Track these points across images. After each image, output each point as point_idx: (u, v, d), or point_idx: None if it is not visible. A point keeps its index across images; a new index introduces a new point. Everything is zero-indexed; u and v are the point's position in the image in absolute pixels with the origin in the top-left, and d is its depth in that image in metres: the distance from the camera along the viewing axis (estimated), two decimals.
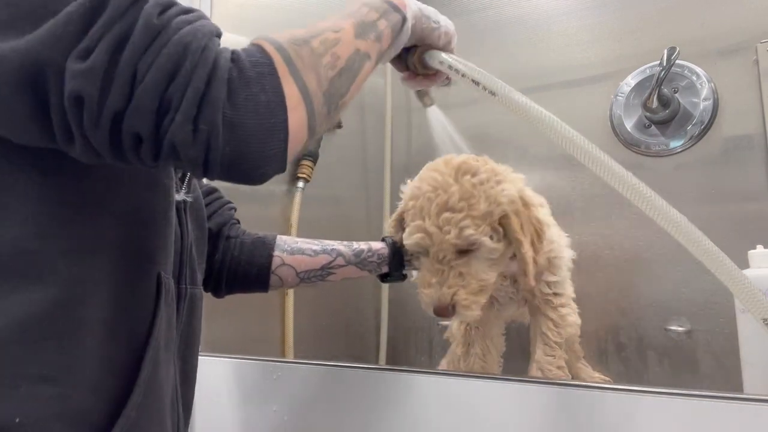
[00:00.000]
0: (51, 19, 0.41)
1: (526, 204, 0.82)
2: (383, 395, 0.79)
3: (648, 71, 1.28)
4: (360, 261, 0.85)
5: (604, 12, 1.36)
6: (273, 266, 0.83)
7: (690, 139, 1.22)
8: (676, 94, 1.23)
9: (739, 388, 0.87)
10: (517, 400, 0.69)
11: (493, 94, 0.67)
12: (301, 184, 1.29)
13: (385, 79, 1.60)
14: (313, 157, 1.32)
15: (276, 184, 1.29)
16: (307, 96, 0.48)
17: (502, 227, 0.79)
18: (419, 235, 0.79)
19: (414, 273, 0.89)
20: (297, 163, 1.31)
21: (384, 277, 0.90)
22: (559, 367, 0.90)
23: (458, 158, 0.84)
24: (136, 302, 0.54)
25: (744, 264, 0.89)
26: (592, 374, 1.15)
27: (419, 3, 0.68)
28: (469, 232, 0.76)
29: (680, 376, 1.18)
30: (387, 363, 1.46)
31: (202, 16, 0.47)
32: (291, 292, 1.27)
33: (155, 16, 0.43)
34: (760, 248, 0.89)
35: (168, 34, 0.43)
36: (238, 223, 0.88)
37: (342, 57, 0.53)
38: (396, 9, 0.62)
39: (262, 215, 1.25)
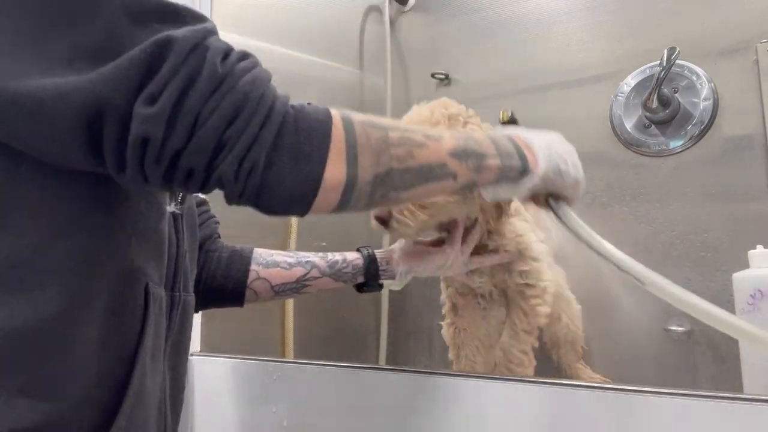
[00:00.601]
0: (111, 61, 0.43)
1: None
2: (383, 395, 0.79)
3: (648, 71, 1.28)
4: (335, 272, 0.85)
5: (604, 12, 1.36)
6: (249, 280, 0.83)
7: (690, 139, 1.22)
8: (676, 94, 1.23)
9: (739, 388, 0.87)
10: (517, 400, 0.68)
11: (602, 255, 0.66)
12: None
13: (386, 80, 1.60)
14: None
15: None
16: (353, 165, 0.50)
17: None
18: None
19: (388, 282, 0.89)
20: None
21: (360, 287, 0.90)
22: (522, 351, 0.92)
23: (446, 100, 0.88)
24: (125, 314, 0.54)
25: (744, 264, 0.90)
26: (592, 375, 1.15)
27: (555, 156, 0.67)
28: None
29: (680, 376, 1.18)
30: (387, 363, 1.46)
31: (257, 63, 0.50)
32: None
33: (219, 64, 0.46)
34: (760, 248, 0.89)
35: (231, 82, 0.46)
36: (219, 237, 0.88)
37: (418, 159, 0.54)
38: (521, 158, 0.63)
39: (262, 217, 1.25)
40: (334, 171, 0.49)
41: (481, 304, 0.99)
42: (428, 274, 0.92)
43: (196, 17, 0.49)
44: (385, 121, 0.55)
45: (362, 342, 1.49)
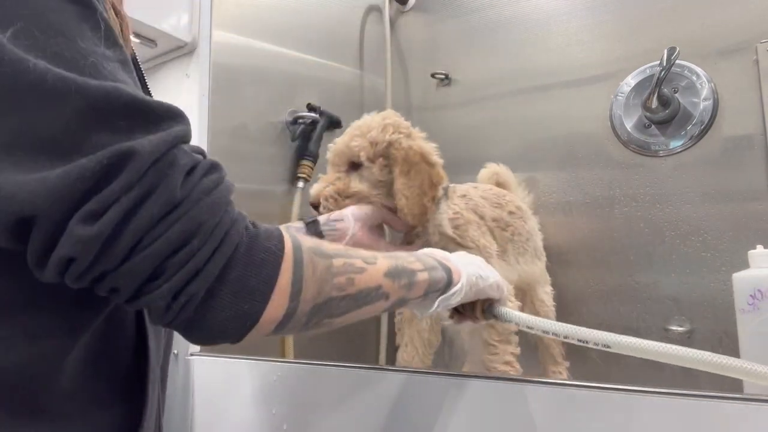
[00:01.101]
0: (58, 161, 0.39)
1: (429, 162, 0.93)
2: (383, 395, 0.79)
3: (648, 71, 1.28)
4: None
5: (604, 12, 1.36)
6: None
7: (690, 139, 1.22)
8: (676, 94, 1.23)
9: (739, 388, 0.87)
10: (517, 400, 0.68)
11: (556, 335, 0.68)
12: (301, 184, 1.29)
13: (386, 80, 1.60)
14: (313, 157, 1.32)
15: (276, 184, 1.29)
16: (296, 300, 0.47)
17: (387, 159, 0.92)
18: (335, 143, 0.97)
19: None
20: (297, 163, 1.31)
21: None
22: (505, 363, 0.92)
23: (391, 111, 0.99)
24: (115, 346, 0.54)
25: (744, 264, 0.90)
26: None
27: (472, 268, 0.68)
28: (355, 143, 0.92)
29: (680, 376, 1.18)
30: (387, 363, 1.46)
31: (222, 178, 0.46)
32: None
33: (179, 185, 0.42)
34: (760, 248, 0.89)
35: (186, 207, 0.42)
36: None
37: (357, 285, 0.53)
38: (445, 270, 0.64)
39: (262, 215, 1.24)
40: (275, 307, 0.46)
41: None
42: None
43: (171, 116, 0.44)
44: (330, 247, 0.53)
45: (362, 342, 1.49)
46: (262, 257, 0.45)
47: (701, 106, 1.21)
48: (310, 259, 0.49)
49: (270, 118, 1.27)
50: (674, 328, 1.18)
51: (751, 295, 0.84)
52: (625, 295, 1.25)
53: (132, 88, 0.43)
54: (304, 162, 1.31)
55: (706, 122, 1.20)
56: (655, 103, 1.21)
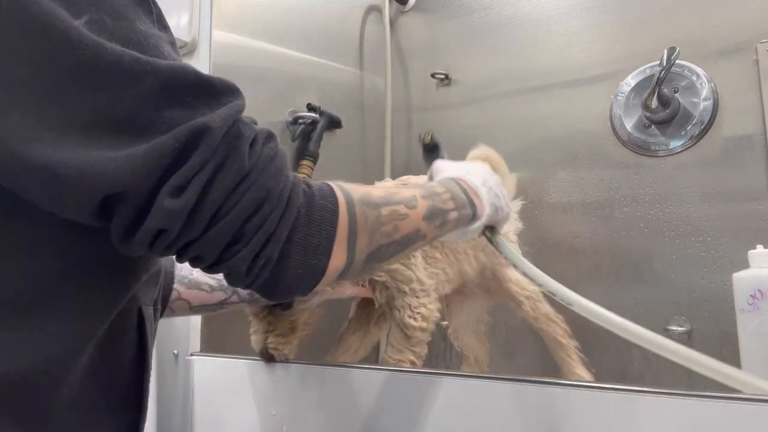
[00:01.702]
0: (137, 138, 0.41)
1: None
2: (383, 395, 0.79)
3: (648, 71, 1.28)
4: (254, 299, 0.85)
5: (604, 12, 1.36)
6: (170, 299, 0.80)
7: (690, 139, 1.22)
8: (676, 94, 1.23)
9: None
10: (517, 400, 0.68)
11: (531, 279, 0.73)
12: None
13: (386, 80, 1.60)
14: (313, 157, 1.32)
15: None
16: (352, 250, 0.52)
17: None
18: None
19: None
20: (297, 163, 1.31)
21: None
22: (406, 360, 0.91)
23: None
24: (122, 347, 0.54)
25: (744, 264, 0.90)
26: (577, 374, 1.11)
27: (493, 197, 0.72)
28: None
29: (680, 376, 1.18)
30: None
31: (278, 145, 0.50)
32: None
33: (246, 156, 0.45)
34: (760, 248, 0.89)
35: (254, 177, 0.45)
36: None
37: (402, 231, 0.58)
38: (472, 206, 0.68)
39: None
40: (337, 259, 0.51)
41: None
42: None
43: (230, 91, 0.47)
44: (376, 195, 0.57)
45: None
46: (321, 215, 0.50)
47: (701, 106, 1.21)
48: (361, 212, 0.53)
49: (270, 118, 1.27)
50: (674, 328, 1.18)
51: (751, 295, 0.84)
52: (624, 295, 1.25)
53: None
54: (304, 162, 1.31)
55: (706, 122, 1.20)
56: (655, 103, 1.21)
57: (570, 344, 1.08)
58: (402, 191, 0.60)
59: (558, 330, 1.07)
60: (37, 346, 0.46)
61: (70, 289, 0.48)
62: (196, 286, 0.80)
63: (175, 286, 0.79)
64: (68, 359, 0.48)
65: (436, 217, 0.62)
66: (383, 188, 0.61)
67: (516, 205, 1.02)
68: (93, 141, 0.41)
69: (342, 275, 0.53)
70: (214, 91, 0.45)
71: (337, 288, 0.89)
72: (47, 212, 0.44)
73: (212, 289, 0.81)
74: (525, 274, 0.72)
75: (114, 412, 0.53)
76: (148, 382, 0.56)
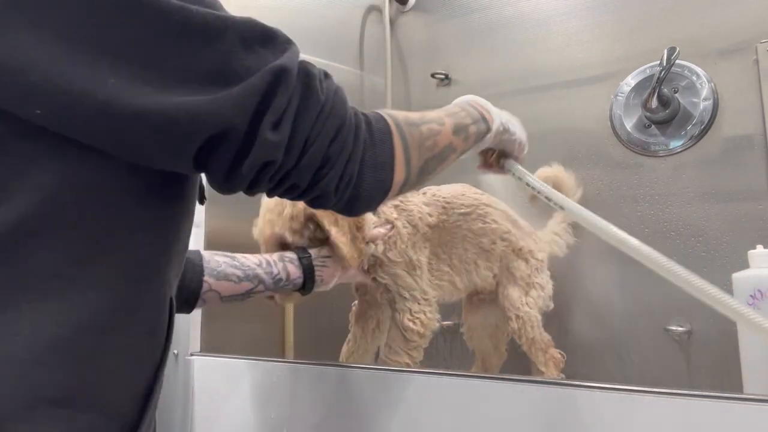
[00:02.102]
0: (226, 85, 0.46)
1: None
2: (383, 395, 0.79)
3: (648, 71, 1.28)
4: (278, 288, 0.89)
5: (604, 12, 1.36)
6: (201, 291, 0.84)
7: (690, 139, 1.22)
8: (676, 94, 1.23)
9: (739, 388, 0.87)
10: (517, 400, 0.69)
11: (560, 207, 0.82)
12: None
13: (386, 80, 1.60)
14: None
15: None
16: (409, 165, 0.60)
17: (318, 227, 0.89)
18: (256, 236, 0.94)
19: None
20: None
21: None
22: (401, 362, 0.94)
23: None
24: (155, 328, 0.55)
25: (744, 264, 0.90)
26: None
27: (504, 118, 0.82)
28: (278, 228, 0.89)
29: (680, 376, 1.18)
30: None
31: (333, 80, 0.56)
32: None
33: (319, 90, 0.51)
34: (760, 248, 0.89)
35: (329, 107, 0.52)
36: None
37: (439, 145, 0.66)
38: (485, 121, 0.78)
39: None
40: (398, 173, 0.59)
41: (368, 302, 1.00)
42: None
43: (288, 40, 0.53)
44: (414, 115, 0.64)
45: None
46: (380, 137, 0.57)
47: (701, 106, 1.21)
48: (409, 132, 0.61)
49: None
50: (674, 328, 1.18)
51: (751, 295, 0.84)
52: (625, 295, 1.25)
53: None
54: None
55: (706, 122, 1.20)
56: (655, 103, 1.21)
57: (552, 374, 1.07)
58: (428, 113, 0.68)
59: (540, 358, 1.07)
60: (81, 312, 0.48)
61: (111, 264, 0.50)
62: (224, 277, 0.85)
63: (205, 278, 0.83)
64: (108, 333, 0.49)
65: (461, 131, 0.71)
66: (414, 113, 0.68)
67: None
68: (195, 90, 0.46)
69: (402, 188, 0.61)
70: (278, 40, 0.52)
71: (348, 272, 0.93)
72: (91, 191, 0.47)
73: (240, 279, 0.86)
74: (548, 198, 0.80)
75: (132, 396, 0.54)
76: (163, 371, 0.58)
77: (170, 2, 0.46)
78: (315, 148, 0.50)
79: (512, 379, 0.70)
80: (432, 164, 0.65)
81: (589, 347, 1.28)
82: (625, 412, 0.62)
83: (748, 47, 1.17)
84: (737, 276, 0.88)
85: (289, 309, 1.26)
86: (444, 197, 1.05)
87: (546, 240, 1.19)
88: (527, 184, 0.84)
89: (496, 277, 1.09)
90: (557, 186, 1.22)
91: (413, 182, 0.63)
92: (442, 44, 1.62)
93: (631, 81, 1.30)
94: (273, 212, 0.90)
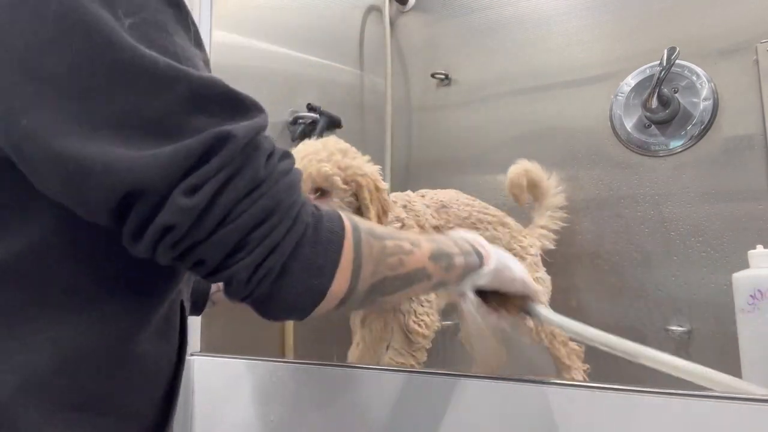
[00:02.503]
0: (164, 140, 0.43)
1: (378, 187, 0.90)
2: (383, 395, 0.79)
3: (648, 71, 1.28)
4: None
5: (604, 12, 1.36)
6: (210, 292, 0.84)
7: (690, 139, 1.22)
8: (676, 94, 1.23)
9: None
10: (517, 400, 0.69)
11: (593, 342, 0.72)
12: None
13: (386, 80, 1.60)
14: None
15: None
16: (356, 278, 0.51)
17: (354, 196, 0.88)
18: None
19: None
20: None
21: None
22: (407, 365, 0.93)
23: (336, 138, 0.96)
24: (170, 331, 0.57)
25: (744, 264, 0.90)
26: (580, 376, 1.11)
27: (505, 259, 0.72)
28: (326, 169, 0.86)
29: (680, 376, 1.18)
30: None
31: (293, 163, 0.51)
32: None
33: (263, 166, 0.46)
34: (760, 248, 0.89)
35: (268, 186, 0.46)
36: None
37: (407, 266, 0.57)
38: (478, 255, 0.67)
39: None
40: (339, 284, 0.50)
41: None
42: None
43: (256, 108, 0.49)
44: (380, 229, 0.59)
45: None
46: (328, 237, 0.50)
47: (701, 106, 1.21)
48: (367, 240, 0.53)
49: (270, 118, 1.26)
50: (674, 328, 1.18)
51: (751, 295, 0.84)
52: (625, 295, 1.25)
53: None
54: None
55: (706, 122, 1.20)
56: (655, 103, 1.21)
57: (576, 366, 1.08)
58: (405, 232, 0.63)
59: (562, 351, 1.07)
60: (98, 325, 0.49)
61: (128, 279, 0.51)
62: None
63: None
64: (126, 342, 0.51)
65: (442, 258, 0.61)
66: (385, 227, 0.63)
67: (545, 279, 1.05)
68: (121, 139, 0.42)
69: (342, 303, 0.52)
70: (241, 106, 0.47)
71: None
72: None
73: None
74: (575, 334, 0.72)
75: (151, 398, 0.55)
76: (182, 372, 0.59)
77: (123, 38, 0.43)
78: (233, 226, 0.45)
79: (512, 379, 0.70)
80: (393, 285, 0.56)
81: (589, 347, 1.28)
82: (625, 412, 0.62)
83: (748, 47, 1.17)
84: (737, 276, 0.88)
85: None
86: (442, 200, 1.05)
87: (535, 235, 1.19)
88: (562, 328, 0.75)
89: None
90: (531, 183, 1.22)
91: (360, 299, 0.54)
92: (442, 44, 1.62)
93: (631, 81, 1.30)
94: (319, 155, 0.88)
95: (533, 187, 1.24)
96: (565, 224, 1.24)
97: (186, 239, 0.44)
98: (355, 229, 0.52)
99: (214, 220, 0.44)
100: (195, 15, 1.13)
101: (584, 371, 1.07)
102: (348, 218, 0.53)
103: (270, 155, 0.48)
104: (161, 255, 0.46)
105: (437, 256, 0.60)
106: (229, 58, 1.20)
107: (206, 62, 0.50)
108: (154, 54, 0.44)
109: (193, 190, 0.43)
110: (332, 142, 0.91)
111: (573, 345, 1.08)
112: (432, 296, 0.93)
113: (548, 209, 1.24)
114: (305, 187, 0.86)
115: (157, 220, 0.43)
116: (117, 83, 0.43)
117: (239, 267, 0.46)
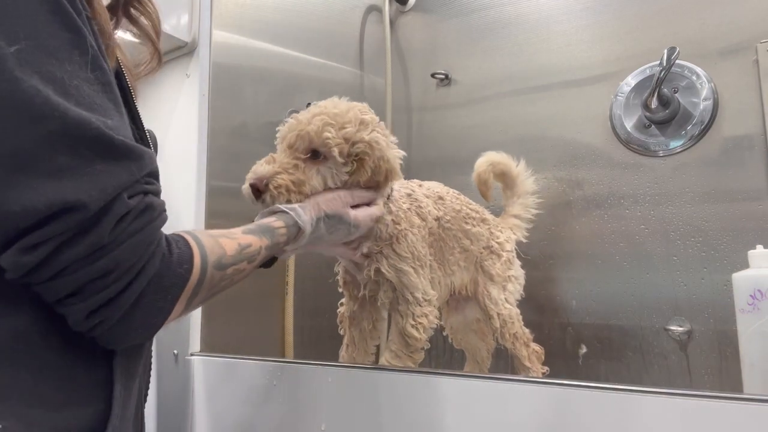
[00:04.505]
0: (25, 170, 0.45)
1: (387, 176, 0.86)
2: (383, 395, 0.79)
3: (648, 71, 1.28)
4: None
5: (604, 12, 1.36)
6: None
7: (690, 139, 1.22)
8: (676, 94, 1.23)
9: (739, 388, 0.87)
10: (517, 400, 0.69)
11: None
12: None
13: (386, 80, 1.60)
14: None
15: None
16: (189, 305, 0.57)
17: (356, 162, 0.82)
18: (292, 122, 0.83)
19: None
20: None
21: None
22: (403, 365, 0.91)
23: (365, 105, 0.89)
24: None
25: (744, 264, 0.90)
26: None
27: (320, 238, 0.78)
28: (327, 133, 0.80)
29: (680, 376, 1.18)
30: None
31: (153, 218, 0.52)
32: (291, 291, 1.27)
33: (107, 233, 0.48)
34: (760, 248, 0.89)
35: (108, 250, 0.48)
36: None
37: (235, 282, 0.64)
38: (289, 231, 0.74)
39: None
40: (174, 314, 0.55)
41: (362, 295, 0.96)
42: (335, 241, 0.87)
43: (129, 154, 0.50)
44: (230, 254, 0.62)
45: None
46: (171, 282, 0.54)
47: (701, 106, 1.21)
48: (210, 276, 0.58)
49: (270, 118, 1.27)
50: (674, 328, 1.18)
51: (751, 295, 0.84)
52: (625, 295, 1.25)
53: (104, 121, 0.49)
54: None
55: (706, 122, 1.20)
56: (655, 103, 1.21)
57: (536, 368, 1.06)
58: (253, 243, 0.66)
59: (523, 352, 1.05)
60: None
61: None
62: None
63: None
64: (37, 331, 0.52)
65: (274, 251, 0.70)
66: (238, 240, 0.64)
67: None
68: None
69: (169, 323, 0.56)
70: (114, 151, 0.49)
71: (333, 248, 0.88)
72: None
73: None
74: None
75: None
76: (118, 378, 0.58)
77: (6, 65, 0.44)
78: (69, 279, 0.48)
79: (512, 379, 0.70)
80: (223, 287, 0.63)
81: (590, 347, 1.28)
82: (625, 412, 0.62)
83: (748, 47, 1.17)
84: (737, 276, 0.88)
85: (289, 309, 1.26)
86: (437, 192, 1.02)
87: (508, 226, 1.16)
88: None
89: (472, 279, 1.07)
90: (499, 173, 1.20)
91: (190, 311, 0.59)
92: (442, 44, 1.62)
93: (631, 81, 1.30)
94: (331, 119, 0.82)
95: (502, 176, 1.21)
96: (538, 210, 1.21)
97: (21, 279, 0.47)
98: (203, 266, 0.57)
99: (47, 274, 0.47)
100: (195, 15, 1.13)
101: (543, 374, 1.06)
102: (200, 251, 0.57)
103: (123, 218, 0.49)
104: (8, 276, 0.48)
105: (261, 260, 0.68)
106: (229, 58, 1.20)
107: (105, 83, 0.51)
108: (34, 83, 0.45)
109: (31, 249, 0.46)
110: (358, 108, 0.85)
111: (535, 347, 1.07)
112: (431, 292, 0.92)
113: (519, 196, 1.21)
114: (299, 144, 0.81)
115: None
116: None
117: (73, 309, 0.49)
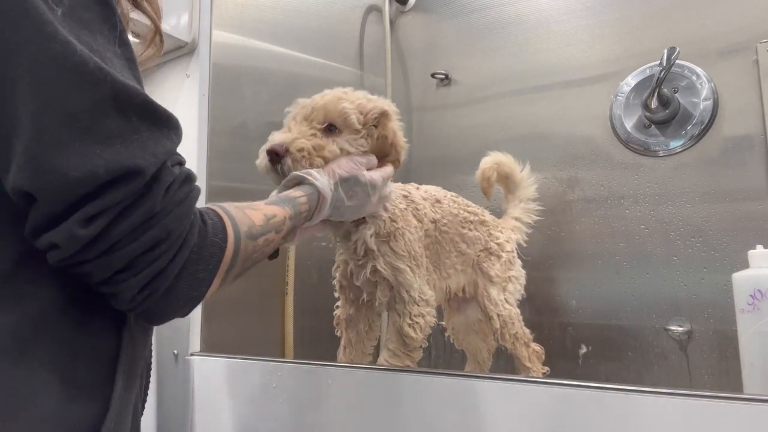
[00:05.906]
0: (84, 135, 0.44)
1: (397, 150, 0.91)
2: (383, 395, 0.79)
3: (648, 71, 1.28)
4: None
5: (604, 12, 1.36)
6: None
7: (690, 139, 1.22)
8: (676, 94, 1.23)
9: (739, 388, 0.87)
10: (517, 400, 0.69)
11: None
12: None
13: (386, 80, 1.60)
14: None
15: (276, 184, 1.29)
16: (227, 277, 0.58)
17: (366, 139, 0.85)
18: (305, 100, 0.87)
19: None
20: None
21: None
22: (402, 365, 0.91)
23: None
24: (100, 324, 0.55)
25: (744, 264, 0.90)
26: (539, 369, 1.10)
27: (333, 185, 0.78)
28: (344, 104, 0.83)
29: (680, 376, 1.18)
30: None
31: (192, 188, 0.53)
32: (291, 291, 1.27)
33: (159, 201, 0.48)
34: (760, 248, 0.89)
35: (160, 218, 0.48)
36: None
37: (265, 254, 0.65)
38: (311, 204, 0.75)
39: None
40: (214, 287, 0.56)
41: (360, 298, 0.96)
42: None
43: (171, 124, 0.51)
44: (259, 223, 0.63)
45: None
46: (210, 252, 0.54)
47: (701, 106, 1.21)
48: (245, 247, 0.59)
49: (270, 118, 1.27)
50: (674, 328, 1.18)
51: (751, 295, 0.84)
52: (625, 295, 1.25)
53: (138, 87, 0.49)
54: None
55: (706, 122, 1.20)
56: (655, 103, 1.21)
57: (537, 368, 1.06)
58: (278, 213, 0.67)
59: (524, 353, 1.05)
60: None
61: (33, 263, 0.50)
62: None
63: None
64: (33, 330, 0.50)
65: (289, 230, 0.70)
66: (262, 211, 0.65)
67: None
68: (35, 130, 0.43)
69: (210, 295, 0.57)
70: (156, 118, 0.49)
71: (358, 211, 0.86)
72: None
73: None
74: None
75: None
76: (120, 377, 0.57)
77: (57, 30, 0.43)
78: (121, 253, 0.47)
79: (512, 379, 0.70)
80: (256, 259, 0.63)
81: (590, 347, 1.28)
82: (625, 412, 0.62)
83: (748, 47, 1.17)
84: (737, 276, 0.88)
85: (289, 309, 1.26)
86: (435, 195, 1.03)
87: (509, 227, 1.17)
88: None
89: (470, 280, 1.07)
90: (503, 175, 1.21)
91: (228, 283, 0.60)
92: (442, 44, 1.62)
93: (631, 81, 1.30)
94: (342, 94, 0.86)
95: (505, 179, 1.22)
96: (538, 218, 1.22)
97: (70, 258, 0.46)
98: (237, 236, 0.57)
99: (102, 247, 0.46)
100: (195, 15, 1.13)
101: (543, 374, 1.06)
102: (231, 223, 0.57)
103: (170, 186, 0.49)
104: (49, 261, 0.47)
105: (286, 234, 0.69)
106: (229, 58, 1.20)
107: (130, 60, 0.50)
108: (85, 51, 0.44)
109: (89, 220, 0.45)
110: (372, 99, 0.89)
111: (535, 347, 1.07)
112: (428, 292, 0.92)
113: (521, 201, 1.22)
114: (316, 116, 0.83)
115: (45, 237, 0.45)
116: (45, 74, 0.43)
117: (124, 286, 0.48)
